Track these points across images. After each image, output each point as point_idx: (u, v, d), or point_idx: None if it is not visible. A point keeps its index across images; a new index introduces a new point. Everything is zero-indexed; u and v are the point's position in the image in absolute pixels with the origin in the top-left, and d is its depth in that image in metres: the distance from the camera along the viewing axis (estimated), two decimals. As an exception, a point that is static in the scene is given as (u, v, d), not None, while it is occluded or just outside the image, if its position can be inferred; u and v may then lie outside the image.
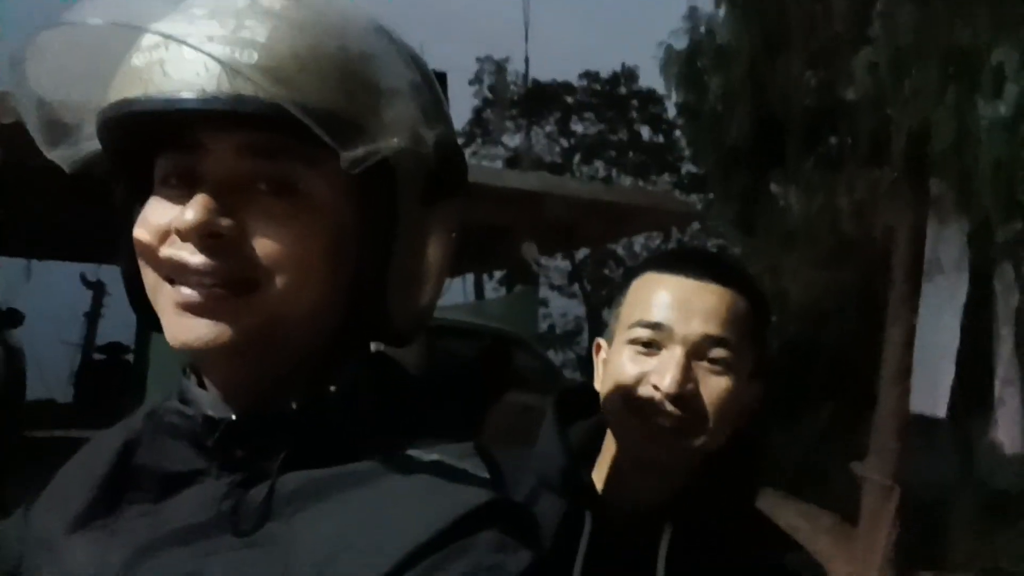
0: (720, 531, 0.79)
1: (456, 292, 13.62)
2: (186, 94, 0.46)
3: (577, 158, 17.81)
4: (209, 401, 0.54)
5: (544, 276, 10.49)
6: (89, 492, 0.57)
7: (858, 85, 5.91)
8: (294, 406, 0.52)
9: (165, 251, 0.50)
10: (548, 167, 16.46)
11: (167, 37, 0.46)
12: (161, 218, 0.50)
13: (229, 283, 0.49)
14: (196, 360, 0.55)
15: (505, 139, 17.57)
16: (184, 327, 0.50)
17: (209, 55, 0.45)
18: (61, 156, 0.54)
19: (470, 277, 13.52)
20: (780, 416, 7.97)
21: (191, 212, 0.48)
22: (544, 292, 14.64)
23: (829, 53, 6.31)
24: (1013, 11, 4.63)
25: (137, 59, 0.48)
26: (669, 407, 0.78)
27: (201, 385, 0.56)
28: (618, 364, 0.82)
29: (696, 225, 16.06)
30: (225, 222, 0.49)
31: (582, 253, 15.10)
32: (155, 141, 0.51)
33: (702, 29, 7.26)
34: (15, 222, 5.68)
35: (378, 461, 0.50)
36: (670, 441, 0.79)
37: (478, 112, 17.46)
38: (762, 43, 6.42)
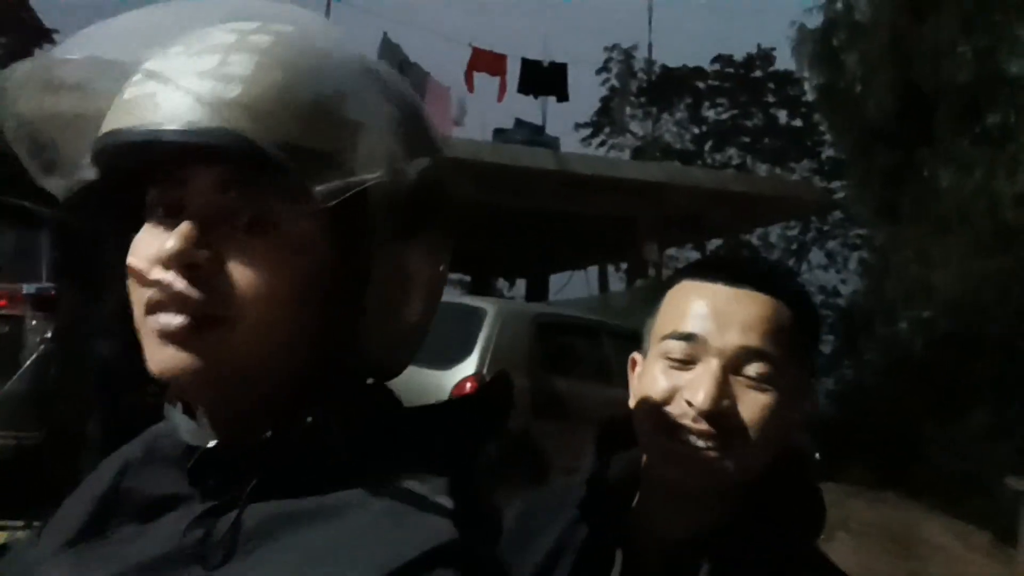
0: (765, 571, 0.73)
1: (579, 285, 13.53)
2: (169, 126, 0.50)
3: (709, 145, 17.25)
4: (189, 428, 0.57)
5: (671, 268, 10.17)
6: (84, 513, 0.59)
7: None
8: (268, 435, 0.54)
9: (152, 275, 0.52)
10: (678, 155, 16.03)
11: (149, 74, 0.51)
12: (150, 247, 0.53)
13: (198, 316, 0.51)
14: (175, 388, 0.57)
15: (635, 127, 17.27)
16: (161, 355, 0.52)
17: (185, 89, 0.49)
18: (55, 185, 0.57)
19: (594, 270, 13.37)
20: (933, 420, 7.33)
21: (173, 240, 0.51)
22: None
23: (988, 19, 5.70)
24: None
25: (128, 92, 0.52)
26: (702, 425, 0.74)
27: (190, 412, 0.58)
28: (649, 379, 0.78)
29: (837, 214, 15.20)
30: (203, 253, 0.51)
31: (714, 244, 14.54)
32: (147, 172, 0.55)
33: (839, 5, 6.77)
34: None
35: (345, 494, 0.52)
36: (703, 463, 0.74)
37: (606, 101, 17.23)
38: (908, 11, 5.88)
